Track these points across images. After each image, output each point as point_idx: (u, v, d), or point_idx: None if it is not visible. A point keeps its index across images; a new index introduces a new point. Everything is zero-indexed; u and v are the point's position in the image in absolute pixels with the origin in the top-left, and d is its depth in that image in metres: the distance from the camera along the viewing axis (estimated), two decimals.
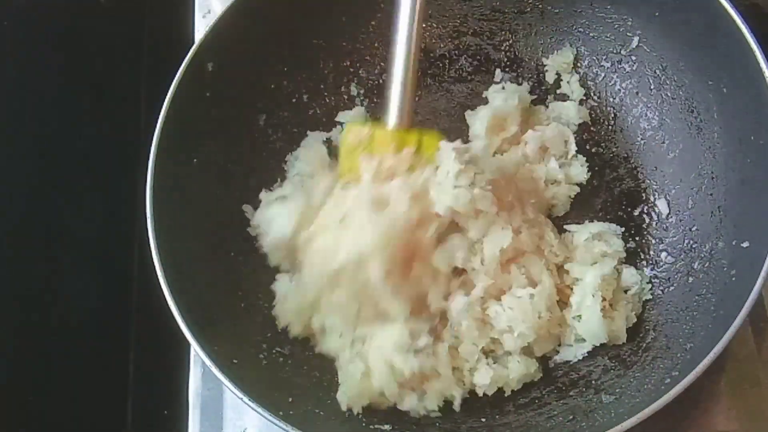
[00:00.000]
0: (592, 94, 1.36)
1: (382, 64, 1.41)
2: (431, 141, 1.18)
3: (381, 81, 1.41)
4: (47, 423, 1.29)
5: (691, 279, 1.17)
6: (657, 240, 1.24)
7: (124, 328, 1.42)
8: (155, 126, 1.19)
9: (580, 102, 1.36)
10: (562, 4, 1.35)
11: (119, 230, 1.42)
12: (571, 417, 1.10)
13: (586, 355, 1.17)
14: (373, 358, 1.13)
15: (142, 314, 1.42)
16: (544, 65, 1.38)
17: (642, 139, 1.30)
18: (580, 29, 1.36)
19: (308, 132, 1.36)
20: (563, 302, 1.19)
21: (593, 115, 1.35)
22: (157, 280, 1.10)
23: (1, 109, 1.38)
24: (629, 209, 1.28)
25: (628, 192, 1.29)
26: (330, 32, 1.38)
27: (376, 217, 1.12)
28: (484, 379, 1.14)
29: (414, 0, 1.16)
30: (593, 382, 1.14)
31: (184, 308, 1.08)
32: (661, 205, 1.26)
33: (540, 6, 1.37)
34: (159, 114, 1.19)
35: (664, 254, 1.22)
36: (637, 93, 1.32)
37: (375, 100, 1.40)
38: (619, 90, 1.33)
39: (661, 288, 1.20)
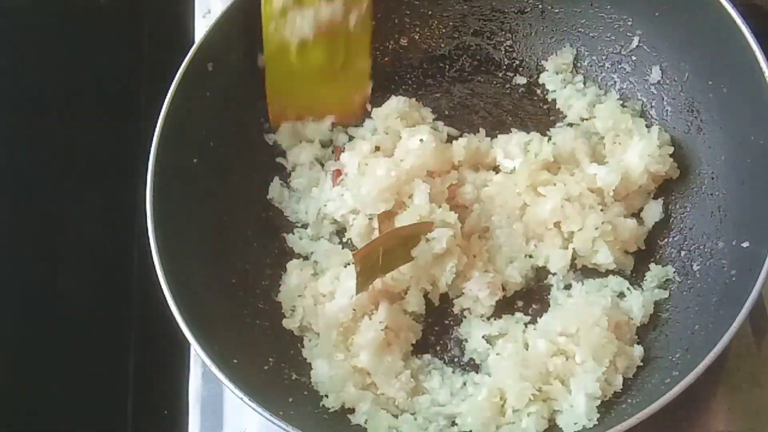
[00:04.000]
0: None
1: (383, 63, 1.41)
2: None
3: (381, 81, 1.40)
4: (47, 423, 1.29)
5: (691, 279, 1.17)
6: (657, 240, 1.24)
7: (124, 328, 1.42)
8: (155, 126, 1.19)
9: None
10: (562, 4, 1.35)
11: (119, 230, 1.42)
12: None
13: None
14: None
15: (142, 314, 1.42)
16: (544, 65, 1.38)
17: None
18: (580, 29, 1.35)
19: None
20: None
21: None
22: (157, 280, 1.10)
23: (1, 109, 1.38)
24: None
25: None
26: None
27: None
28: None
29: None
30: None
31: (184, 308, 1.08)
32: (662, 205, 1.25)
33: (540, 6, 1.37)
34: (159, 114, 1.20)
35: (663, 254, 1.22)
36: (636, 93, 1.32)
37: (376, 100, 1.40)
38: (619, 90, 1.33)
39: (662, 287, 1.20)
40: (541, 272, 1.23)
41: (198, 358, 1.22)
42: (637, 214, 1.25)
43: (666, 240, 1.23)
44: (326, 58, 1.25)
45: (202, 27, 1.49)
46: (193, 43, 1.25)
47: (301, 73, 1.26)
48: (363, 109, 1.36)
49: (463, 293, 1.20)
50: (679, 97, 1.26)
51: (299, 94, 1.28)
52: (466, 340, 1.19)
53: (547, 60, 1.38)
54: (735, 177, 1.16)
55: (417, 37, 1.42)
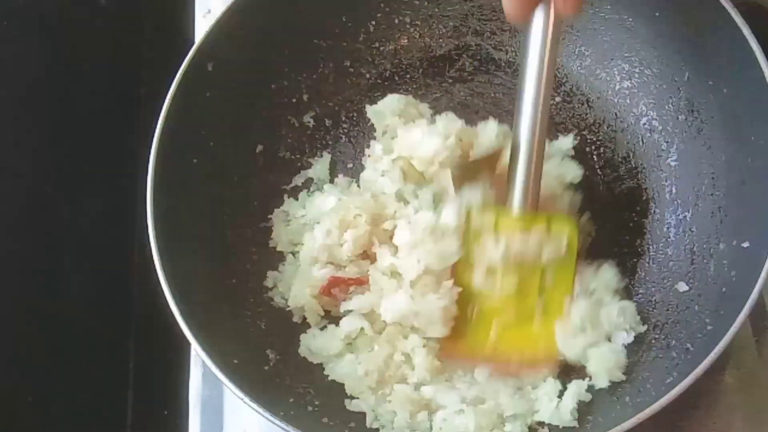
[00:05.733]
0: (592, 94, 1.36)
1: (383, 63, 1.41)
2: (560, 225, 1.13)
3: (381, 81, 1.41)
4: (47, 423, 1.29)
5: (690, 279, 1.17)
6: (657, 240, 1.24)
7: (124, 328, 1.42)
8: (155, 126, 1.19)
9: (580, 102, 1.36)
10: None
11: (119, 230, 1.42)
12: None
13: None
14: None
15: (142, 314, 1.42)
16: None
17: (642, 139, 1.30)
18: (579, 29, 1.35)
19: None
20: None
21: (594, 116, 1.35)
22: (157, 280, 1.10)
23: (0, 109, 1.38)
24: (629, 209, 1.28)
25: (628, 192, 1.29)
26: (330, 32, 1.38)
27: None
28: None
29: (542, 65, 1.04)
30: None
31: (184, 308, 1.08)
32: (661, 206, 1.26)
33: None
34: (159, 114, 1.19)
35: (664, 254, 1.22)
36: (637, 93, 1.32)
37: (376, 100, 1.40)
38: (619, 90, 1.33)
39: (662, 288, 1.20)
40: None
41: (198, 358, 1.23)
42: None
43: (666, 240, 1.23)
44: (515, 293, 1.14)
45: (202, 27, 1.49)
46: (193, 43, 1.25)
47: (486, 303, 1.16)
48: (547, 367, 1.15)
49: None
50: (679, 97, 1.26)
51: (479, 329, 1.16)
52: None
53: None
54: (735, 177, 1.16)
55: (417, 37, 1.42)
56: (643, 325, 1.16)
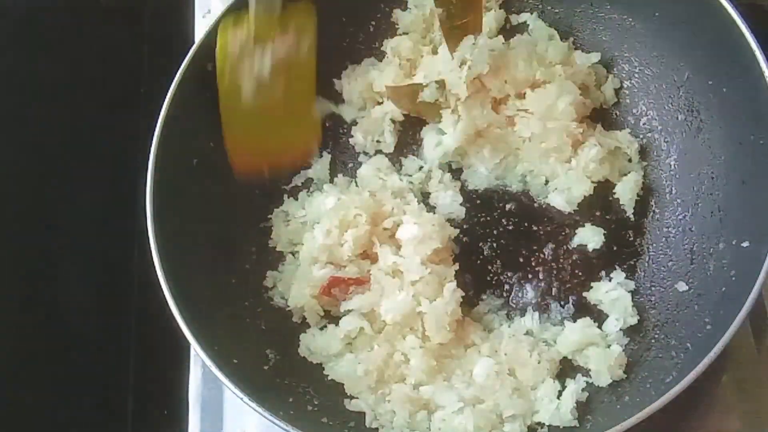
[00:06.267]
0: None
1: None
2: (302, 14, 1.18)
3: None
4: (47, 423, 1.29)
5: (690, 279, 1.17)
6: (657, 240, 1.24)
7: (124, 328, 1.42)
8: (155, 126, 1.19)
9: None
10: (562, 4, 1.35)
11: (119, 230, 1.42)
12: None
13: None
14: None
15: (142, 314, 1.42)
16: None
17: (642, 139, 1.30)
18: (579, 29, 1.35)
19: None
20: None
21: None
22: (157, 280, 1.10)
23: (1, 109, 1.38)
24: (629, 209, 1.27)
25: None
26: (330, 32, 1.38)
27: None
28: None
29: None
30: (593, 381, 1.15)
31: (184, 308, 1.08)
32: (661, 206, 1.26)
33: (540, 6, 1.37)
34: (159, 114, 1.20)
35: (664, 254, 1.22)
36: (637, 93, 1.32)
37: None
38: (619, 90, 1.33)
39: (662, 288, 1.20)
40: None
41: (198, 358, 1.22)
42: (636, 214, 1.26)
43: (666, 240, 1.23)
44: (282, 96, 1.21)
45: (202, 27, 1.49)
46: (193, 43, 1.25)
47: (258, 116, 1.21)
48: (316, 146, 1.34)
49: None
50: (679, 97, 1.26)
51: (258, 139, 1.23)
52: None
53: None
54: (735, 177, 1.16)
55: None
56: (640, 321, 1.17)
